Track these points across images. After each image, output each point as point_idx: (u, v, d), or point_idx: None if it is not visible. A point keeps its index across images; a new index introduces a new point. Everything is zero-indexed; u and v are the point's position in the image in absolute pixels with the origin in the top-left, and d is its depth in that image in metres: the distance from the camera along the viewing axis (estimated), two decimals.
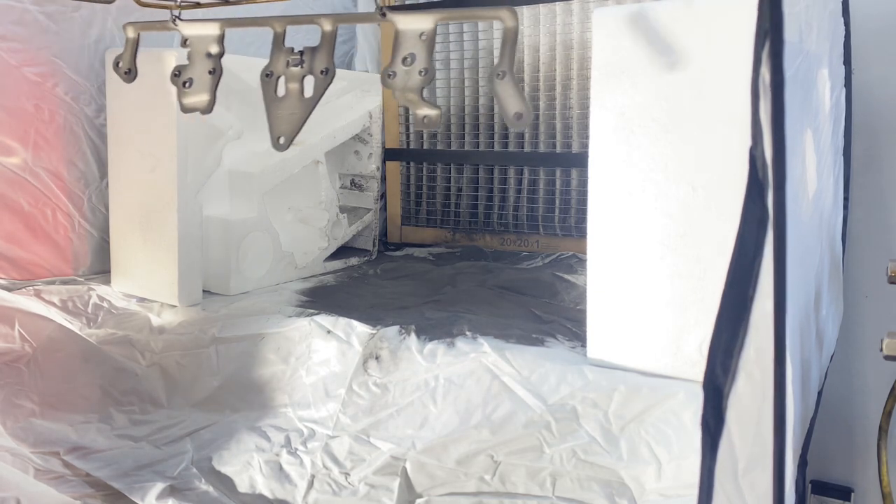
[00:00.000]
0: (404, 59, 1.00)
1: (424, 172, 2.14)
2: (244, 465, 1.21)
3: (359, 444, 1.17)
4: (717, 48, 0.98)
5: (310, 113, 1.08)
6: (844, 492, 1.69)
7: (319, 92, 1.06)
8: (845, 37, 1.49)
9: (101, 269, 1.64)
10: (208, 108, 1.16)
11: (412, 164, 2.15)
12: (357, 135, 1.90)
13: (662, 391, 1.02)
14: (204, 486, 1.19)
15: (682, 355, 1.04)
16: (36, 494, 1.21)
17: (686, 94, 1.02)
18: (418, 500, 1.10)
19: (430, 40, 0.99)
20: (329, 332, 1.30)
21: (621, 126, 1.07)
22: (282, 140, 1.10)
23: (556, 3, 1.79)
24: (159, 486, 1.19)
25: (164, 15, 1.50)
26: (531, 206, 1.99)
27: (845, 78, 1.49)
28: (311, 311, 1.37)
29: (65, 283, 1.56)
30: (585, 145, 1.11)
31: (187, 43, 1.15)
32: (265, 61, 1.59)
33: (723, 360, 0.55)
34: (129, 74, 1.22)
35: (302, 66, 1.08)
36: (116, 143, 1.54)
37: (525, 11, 1.90)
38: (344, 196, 1.98)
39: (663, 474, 0.99)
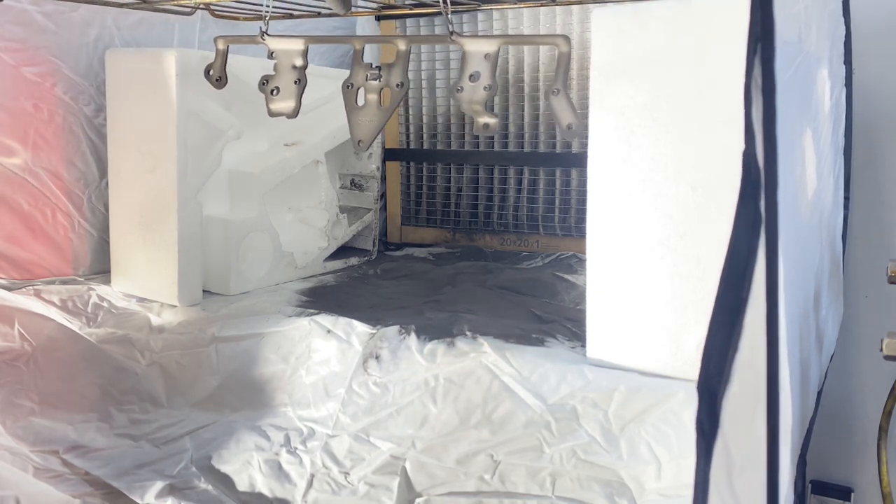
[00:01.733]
0: (471, 76, 1.18)
1: (424, 172, 2.14)
2: (244, 464, 1.21)
3: (358, 444, 1.18)
4: (717, 47, 0.98)
5: (387, 120, 1.25)
6: (844, 492, 1.69)
7: (395, 102, 1.24)
8: (846, 36, 1.48)
9: (101, 269, 1.64)
10: (294, 114, 1.31)
11: (412, 164, 2.15)
12: None
13: (662, 391, 1.02)
14: (203, 484, 1.20)
15: (682, 355, 1.04)
16: (35, 493, 1.21)
17: (686, 93, 1.02)
18: (418, 500, 1.10)
19: (493, 60, 1.17)
20: (329, 331, 1.30)
21: (621, 126, 1.07)
22: (361, 143, 1.26)
23: (557, 5, 1.78)
24: (159, 485, 1.19)
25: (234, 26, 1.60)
26: (531, 206, 1.99)
27: (846, 77, 1.49)
28: (311, 310, 1.37)
29: (65, 282, 1.56)
30: (585, 145, 1.11)
31: (274, 55, 1.30)
32: (263, 61, 1.59)
33: (717, 361, 0.55)
34: (220, 81, 1.37)
35: (380, 80, 1.24)
36: (116, 143, 1.54)
37: (525, 12, 1.90)
38: (344, 196, 1.98)
39: (663, 474, 0.99)
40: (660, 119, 1.04)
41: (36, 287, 1.49)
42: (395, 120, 2.14)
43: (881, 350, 1.16)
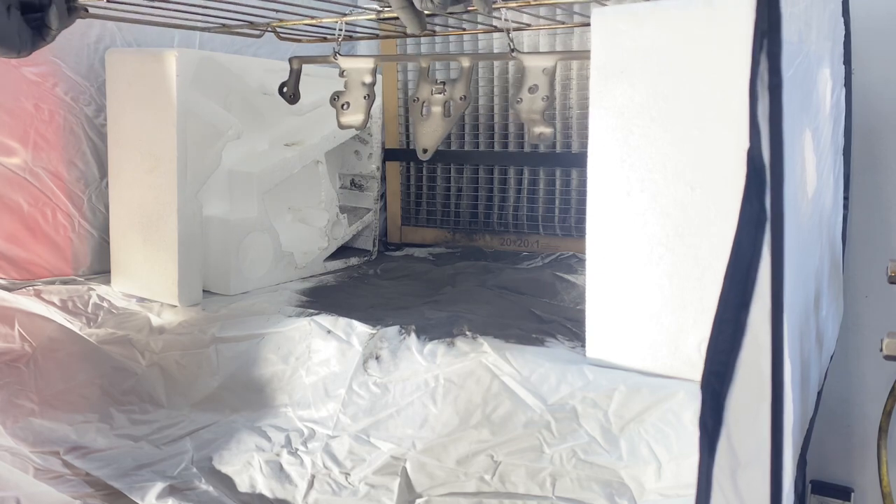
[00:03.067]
0: (530, 89, 1.28)
1: (424, 172, 2.14)
2: (244, 464, 1.21)
3: (359, 444, 1.17)
4: (716, 47, 0.98)
5: (449, 130, 1.38)
6: (844, 492, 1.69)
7: (458, 113, 1.36)
8: (845, 36, 1.49)
9: (101, 269, 1.64)
10: (363, 126, 1.43)
11: (412, 164, 2.15)
12: (357, 135, 1.90)
13: (662, 391, 1.02)
14: (204, 485, 1.19)
15: (681, 355, 1.04)
16: (36, 494, 1.21)
17: (684, 93, 1.02)
18: (418, 500, 1.10)
19: (551, 75, 1.28)
20: (329, 332, 1.30)
21: (620, 126, 1.07)
22: (426, 151, 1.37)
23: (557, 4, 1.78)
24: (159, 486, 1.19)
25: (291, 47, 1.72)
26: (531, 206, 1.99)
27: (845, 78, 1.49)
28: (311, 311, 1.37)
29: (65, 283, 1.56)
30: (585, 145, 1.11)
31: (344, 74, 1.42)
32: (263, 61, 1.59)
33: (721, 360, 0.55)
34: (294, 98, 1.49)
35: (444, 94, 1.35)
36: (116, 143, 1.54)
37: (526, 11, 1.90)
38: (344, 196, 1.98)
39: (663, 474, 0.99)
40: (658, 119, 1.03)
41: (36, 287, 1.49)
42: (395, 121, 2.14)
43: (881, 350, 1.16)
